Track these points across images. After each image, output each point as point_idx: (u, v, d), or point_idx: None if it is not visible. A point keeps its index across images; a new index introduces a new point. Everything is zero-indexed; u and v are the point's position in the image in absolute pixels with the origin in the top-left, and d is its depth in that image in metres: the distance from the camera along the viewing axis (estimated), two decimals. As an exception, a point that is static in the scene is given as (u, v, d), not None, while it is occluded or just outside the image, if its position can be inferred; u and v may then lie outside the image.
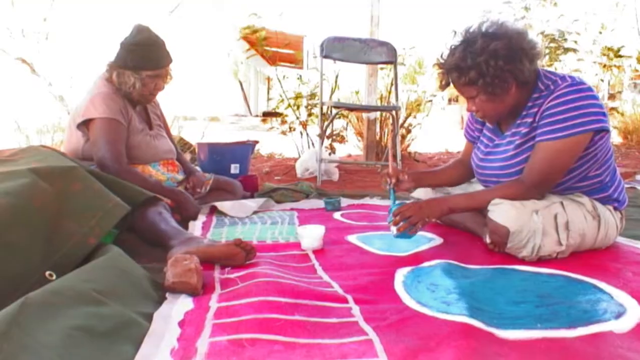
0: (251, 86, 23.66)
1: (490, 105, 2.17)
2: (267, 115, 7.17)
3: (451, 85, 2.22)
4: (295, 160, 5.58)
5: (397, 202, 2.38)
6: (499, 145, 2.34)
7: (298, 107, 5.71)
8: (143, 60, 2.80)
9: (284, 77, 5.72)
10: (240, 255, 1.99)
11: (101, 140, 2.71)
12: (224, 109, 17.12)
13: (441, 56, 2.22)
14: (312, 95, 5.65)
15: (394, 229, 2.27)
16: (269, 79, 28.03)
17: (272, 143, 7.40)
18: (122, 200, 2.10)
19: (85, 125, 2.77)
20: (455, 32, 2.17)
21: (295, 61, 14.16)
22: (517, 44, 2.07)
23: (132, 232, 2.35)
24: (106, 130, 2.72)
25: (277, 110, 6.05)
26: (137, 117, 2.92)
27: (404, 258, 2.19)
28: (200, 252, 1.98)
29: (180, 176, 3.03)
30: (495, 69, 2.05)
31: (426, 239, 2.49)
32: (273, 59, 5.91)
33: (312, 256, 2.22)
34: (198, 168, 3.40)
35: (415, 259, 2.16)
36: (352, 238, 2.54)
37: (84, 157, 2.79)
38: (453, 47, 2.16)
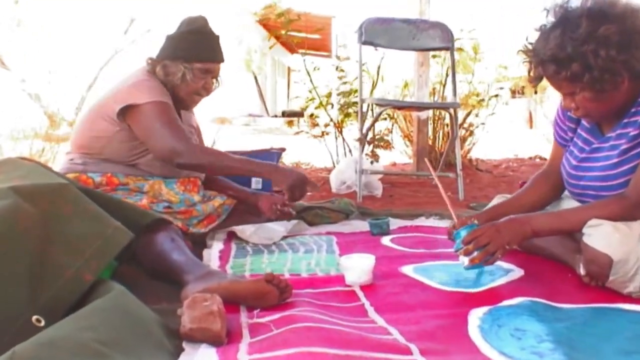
0: (268, 80, 23.79)
1: (594, 104, 2.10)
2: (290, 115, 7.17)
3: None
4: (329, 171, 5.56)
5: (467, 224, 2.32)
6: (599, 150, 2.28)
7: (332, 106, 5.69)
8: (196, 48, 2.90)
9: (314, 68, 5.70)
10: (273, 293, 1.97)
11: (156, 125, 2.76)
12: (235, 108, 17.20)
13: (527, 40, 2.16)
14: (350, 92, 5.62)
15: (465, 259, 2.22)
16: (289, 70, 28.13)
17: (298, 149, 7.39)
18: (123, 224, 2.08)
19: (122, 114, 2.80)
20: (547, 11, 2.10)
21: (320, 48, 14.19)
22: (632, 25, 1.99)
23: (134, 264, 2.34)
24: (158, 113, 2.78)
25: (304, 109, 6.03)
26: None
27: (477, 295, 2.16)
28: (223, 289, 1.95)
29: (197, 197, 3.02)
30: (606, 61, 1.98)
31: (502, 271, 2.44)
32: (299, 46, 5.89)
33: (360, 294, 2.20)
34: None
35: (491, 296, 2.12)
36: (408, 269, 2.51)
37: (101, 152, 2.84)
38: (546, 30, 2.09)
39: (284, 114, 18.70)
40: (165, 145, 2.74)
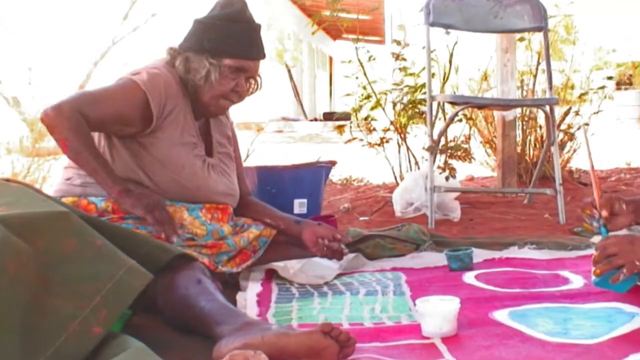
0: (304, 74, 23.89)
1: None
2: (340, 118, 7.12)
3: None
4: (391, 189, 5.54)
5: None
6: None
7: (395, 105, 5.65)
8: (226, 40, 2.89)
9: (369, 58, 5.68)
10: (332, 349, 1.95)
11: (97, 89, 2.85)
12: (264, 110, 17.28)
13: None
14: (415, 88, 5.58)
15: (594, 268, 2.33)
16: (331, 60, 28.23)
17: (346, 161, 7.36)
18: (138, 262, 2.08)
19: None
20: None
21: (370, 32, 14.23)
22: None
23: (151, 313, 2.34)
24: (116, 84, 2.84)
25: (357, 111, 6.00)
26: (192, 125, 2.99)
27: (595, 347, 2.11)
28: (269, 345, 1.94)
29: (227, 228, 3.02)
30: None
31: (625, 316, 2.40)
32: (350, 30, 5.89)
33: (442, 348, 2.17)
34: None
35: (613, 349, 2.08)
36: (502, 315, 2.49)
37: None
38: None
39: (331, 117, 18.62)
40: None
